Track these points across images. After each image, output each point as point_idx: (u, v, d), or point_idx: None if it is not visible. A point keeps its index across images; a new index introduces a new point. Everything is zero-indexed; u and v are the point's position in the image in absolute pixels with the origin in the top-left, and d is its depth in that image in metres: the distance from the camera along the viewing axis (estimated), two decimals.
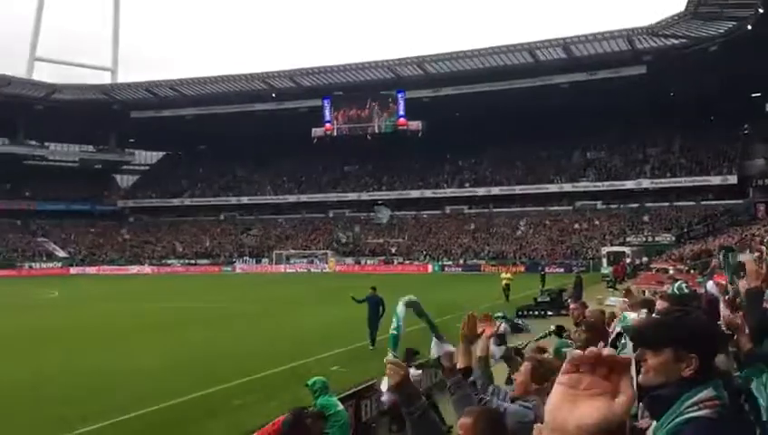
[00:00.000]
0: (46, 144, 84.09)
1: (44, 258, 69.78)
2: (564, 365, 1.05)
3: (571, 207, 66.51)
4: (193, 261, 69.02)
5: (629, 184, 63.39)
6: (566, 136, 67.67)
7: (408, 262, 62.86)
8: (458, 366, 3.66)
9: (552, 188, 66.67)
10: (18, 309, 29.89)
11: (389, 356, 2.77)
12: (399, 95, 70.79)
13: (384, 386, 2.81)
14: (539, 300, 25.53)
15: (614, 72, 60.01)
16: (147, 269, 67.27)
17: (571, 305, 10.57)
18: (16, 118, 75.50)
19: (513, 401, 3.61)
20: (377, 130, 72.54)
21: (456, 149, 73.08)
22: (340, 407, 8.11)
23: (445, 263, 61.59)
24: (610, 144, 68.44)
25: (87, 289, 43.72)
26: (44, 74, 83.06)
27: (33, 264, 66.99)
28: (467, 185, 71.25)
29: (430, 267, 61.04)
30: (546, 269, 43.37)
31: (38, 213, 76.57)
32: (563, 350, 5.48)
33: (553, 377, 2.78)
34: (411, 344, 10.09)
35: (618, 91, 60.29)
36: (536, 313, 23.59)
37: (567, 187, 66.08)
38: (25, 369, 15.23)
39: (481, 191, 69.61)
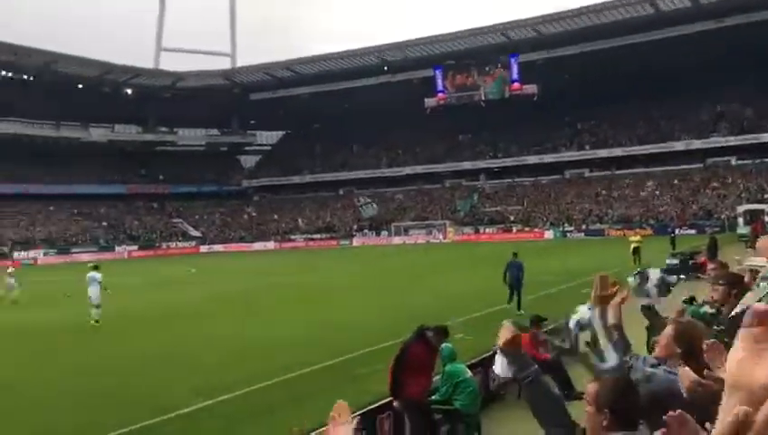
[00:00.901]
0: (175, 130, 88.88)
1: (180, 238, 74.18)
2: (746, 318, 0.94)
3: (701, 165, 62.75)
4: (316, 235, 71.09)
5: (766, 137, 58.80)
6: (693, 89, 63.48)
7: (527, 229, 61.73)
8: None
9: (679, 145, 62.98)
10: (164, 285, 31.99)
11: (506, 321, 2.76)
12: (512, 59, 69.15)
13: (496, 365, 2.80)
14: (668, 263, 24.29)
15: (746, 17, 55.67)
16: (270, 245, 70.10)
17: (709, 265, 10.02)
18: (147, 107, 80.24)
19: (655, 366, 3.45)
20: (484, 97, 71.47)
21: (574, 111, 70.58)
22: (469, 374, 8.14)
23: (566, 229, 59.99)
24: (744, 95, 63.51)
25: (219, 265, 46.13)
26: (170, 63, 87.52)
27: (170, 244, 71.41)
28: (587, 147, 68.75)
29: (547, 234, 59.66)
30: (676, 231, 41.34)
31: (172, 196, 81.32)
32: (702, 310, 5.23)
33: (698, 341, 2.62)
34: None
35: (750, 37, 55.81)
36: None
37: (696, 143, 62.23)
38: (168, 340, 16.34)
39: (602, 153, 66.94)
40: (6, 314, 23.11)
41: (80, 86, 73.02)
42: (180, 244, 72.07)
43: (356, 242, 67.62)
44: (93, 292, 19.10)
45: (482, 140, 76.15)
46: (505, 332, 2.69)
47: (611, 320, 4.06)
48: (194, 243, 72.83)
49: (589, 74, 65.76)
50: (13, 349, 16.27)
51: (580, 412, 2.65)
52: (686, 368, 2.88)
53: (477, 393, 8.15)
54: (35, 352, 15.65)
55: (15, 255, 58.41)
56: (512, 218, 65.08)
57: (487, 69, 71.31)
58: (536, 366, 2.73)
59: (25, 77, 69.27)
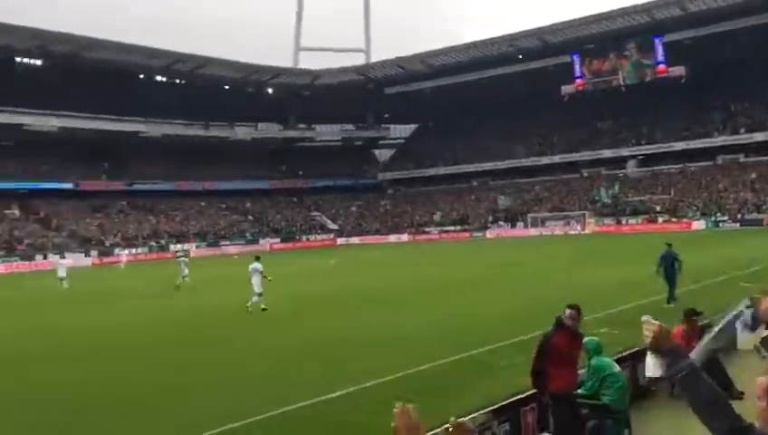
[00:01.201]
0: (313, 126, 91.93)
1: (318, 231, 76.71)
2: None
3: None
4: (450, 228, 70.99)
5: None
6: None
7: (674, 220, 58.29)
8: None
9: None
10: (306, 277, 33.11)
11: (645, 316, 2.55)
12: (657, 40, 65.47)
13: (648, 367, 2.57)
14: None
15: None
16: (404, 237, 70.78)
17: None
18: (287, 105, 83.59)
19: None
20: (622, 82, 68.34)
21: (727, 93, 65.69)
22: (617, 368, 7.75)
23: (719, 219, 56.07)
24: None
25: (357, 257, 47.22)
26: (307, 63, 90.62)
27: (309, 236, 74.05)
28: (742, 131, 63.74)
29: (696, 224, 55.92)
30: None
31: (310, 190, 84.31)
32: None
33: None
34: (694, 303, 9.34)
35: None
36: None
37: None
38: (320, 327, 16.89)
39: (759, 137, 61.79)
40: (180, 300, 25.03)
41: (226, 87, 77.29)
42: (319, 236, 74.53)
43: (489, 234, 66.86)
44: (255, 281, 20.51)
45: (623, 127, 72.73)
46: (649, 327, 2.51)
47: None
48: (332, 235, 75.05)
49: (743, 52, 60.99)
50: (186, 332, 17.49)
51: (742, 412, 2.40)
52: None
53: (626, 388, 7.74)
54: (204, 339, 16.72)
55: (171, 247, 62.88)
56: (657, 208, 61.67)
57: (625, 52, 68.06)
58: (691, 358, 2.51)
59: (177, 81, 74.26)
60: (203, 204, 76.11)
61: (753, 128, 63.05)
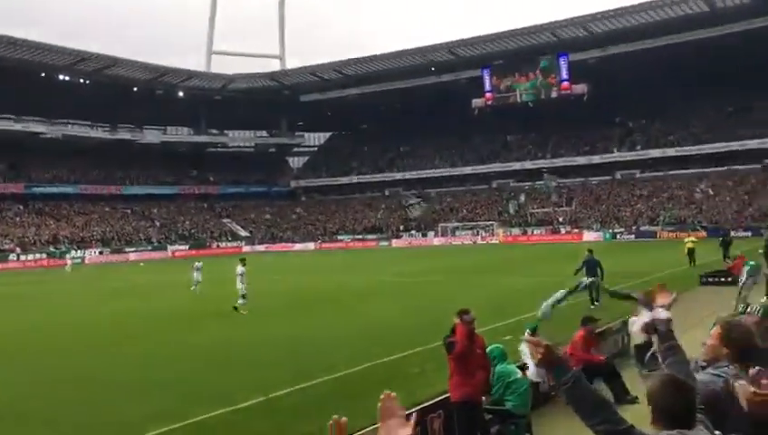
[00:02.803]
0: (225, 132, 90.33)
1: (229, 238, 75.30)
2: None
3: (759, 166, 60.81)
4: (360, 236, 71.33)
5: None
6: (752, 88, 61.06)
7: (576, 231, 60.83)
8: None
9: (735, 145, 61.08)
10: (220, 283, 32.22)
11: (526, 335, 2.78)
12: (562, 59, 68.22)
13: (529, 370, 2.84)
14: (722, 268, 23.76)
15: None
16: (311, 246, 70.50)
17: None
18: (198, 109, 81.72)
19: (703, 368, 3.41)
20: (519, 99, 71.07)
21: (627, 111, 69.37)
22: (520, 375, 8.07)
23: (616, 230, 58.91)
24: None
25: (263, 265, 46.57)
26: (220, 67, 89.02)
27: (220, 243, 72.54)
28: (638, 148, 67.41)
29: (596, 235, 58.15)
30: (731, 234, 40.28)
31: (221, 196, 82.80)
32: None
33: (747, 341, 2.60)
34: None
35: None
36: (721, 280, 21.92)
37: (752, 143, 60.14)
38: (224, 336, 16.65)
39: (655, 153, 65.59)
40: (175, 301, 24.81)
41: (134, 89, 74.80)
42: (230, 243, 73.10)
43: (396, 243, 67.40)
44: (240, 284, 21.20)
45: (530, 141, 75.40)
46: (535, 352, 2.70)
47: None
48: (243, 243, 73.81)
49: (641, 73, 64.28)
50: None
51: (637, 416, 2.64)
52: (744, 382, 2.85)
53: (529, 394, 8.08)
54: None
55: (72, 253, 60.17)
56: (560, 220, 64.25)
57: (532, 69, 70.52)
58: (575, 370, 2.74)
59: (82, 81, 71.27)
60: (107, 209, 73.24)
61: (649, 145, 66.75)
